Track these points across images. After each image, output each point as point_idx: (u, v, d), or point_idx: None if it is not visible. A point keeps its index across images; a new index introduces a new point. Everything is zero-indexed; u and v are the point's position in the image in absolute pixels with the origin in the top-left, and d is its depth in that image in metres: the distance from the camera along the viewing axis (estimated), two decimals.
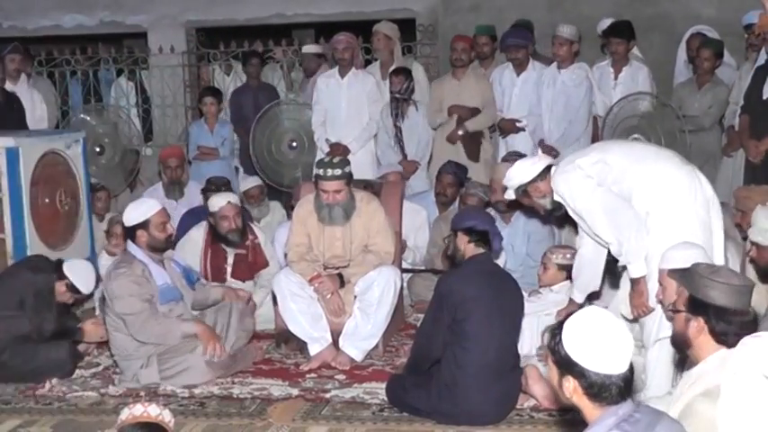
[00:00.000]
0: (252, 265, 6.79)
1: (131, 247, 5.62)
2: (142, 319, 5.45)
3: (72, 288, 5.85)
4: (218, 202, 6.63)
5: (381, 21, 8.90)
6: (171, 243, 6.02)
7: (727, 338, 3.27)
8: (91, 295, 6.38)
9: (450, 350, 4.73)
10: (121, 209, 7.27)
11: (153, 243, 5.60)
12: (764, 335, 3.03)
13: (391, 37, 8.77)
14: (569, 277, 5.49)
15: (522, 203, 5.40)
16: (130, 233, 5.61)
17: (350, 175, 5.99)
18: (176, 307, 5.66)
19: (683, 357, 3.66)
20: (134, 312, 5.45)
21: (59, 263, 5.88)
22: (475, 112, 8.27)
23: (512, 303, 4.90)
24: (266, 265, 6.83)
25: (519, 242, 6.72)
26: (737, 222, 5.85)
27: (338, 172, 5.89)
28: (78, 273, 5.86)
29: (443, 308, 4.76)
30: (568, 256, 5.54)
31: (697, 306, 3.36)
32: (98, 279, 6.15)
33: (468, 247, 4.99)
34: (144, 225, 5.55)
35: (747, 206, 5.68)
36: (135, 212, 5.60)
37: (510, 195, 5.21)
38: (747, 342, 3.02)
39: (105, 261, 6.98)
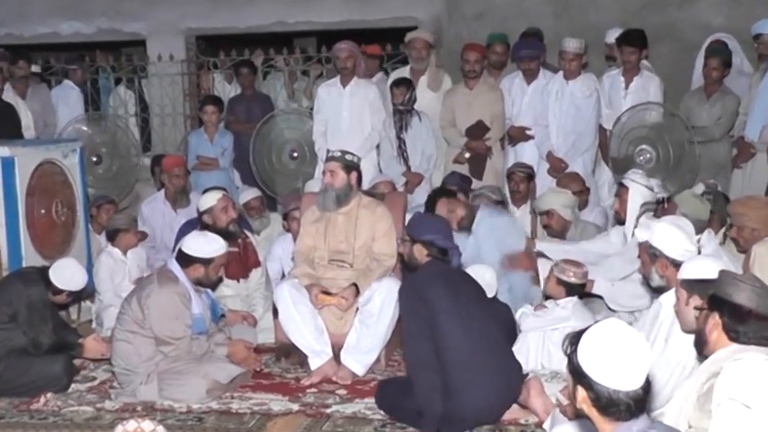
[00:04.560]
0: (245, 262, 6.85)
1: (174, 266, 5.64)
2: (185, 344, 5.52)
3: (67, 292, 5.89)
4: (210, 198, 6.71)
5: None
6: (217, 285, 6.20)
7: (738, 337, 3.34)
8: (84, 291, 6.33)
9: (434, 355, 4.74)
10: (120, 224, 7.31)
11: (204, 280, 5.69)
12: (747, 357, 3.12)
13: (433, 45, 8.79)
14: (569, 294, 5.50)
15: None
16: (186, 261, 5.62)
17: (351, 164, 6.13)
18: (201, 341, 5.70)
19: (702, 359, 3.66)
20: (178, 337, 5.50)
21: (45, 273, 5.86)
22: (486, 130, 8.32)
23: (477, 297, 4.98)
24: (258, 263, 6.92)
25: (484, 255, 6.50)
26: (733, 237, 5.84)
27: (338, 155, 6.17)
28: (65, 275, 5.87)
29: (417, 310, 4.79)
30: (570, 274, 5.48)
31: (715, 302, 3.44)
32: (92, 289, 6.14)
33: (424, 258, 5.08)
34: (206, 262, 5.61)
35: (742, 222, 5.69)
36: (204, 247, 5.63)
37: (640, 237, 4.97)
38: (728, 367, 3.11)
39: (105, 258, 7.02)
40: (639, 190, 6.09)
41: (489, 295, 5.59)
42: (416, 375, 4.87)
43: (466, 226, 6.58)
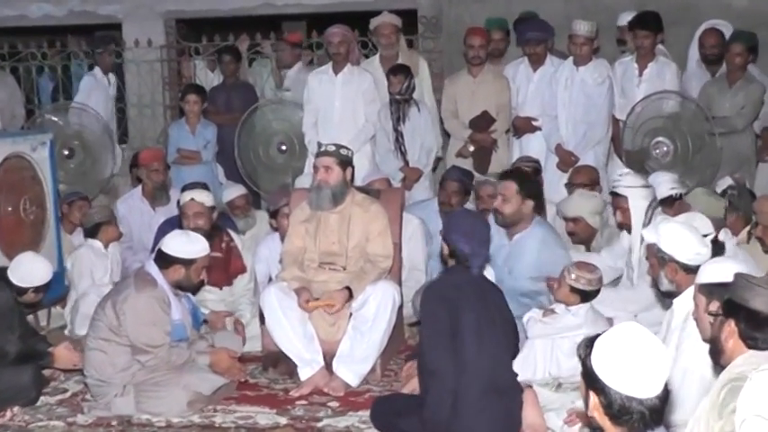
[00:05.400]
0: (227, 268, 6.83)
1: (152, 268, 5.62)
2: (164, 352, 5.49)
3: (32, 289, 5.87)
4: (184, 197, 6.72)
5: (382, 12, 8.89)
6: (198, 289, 6.18)
7: (757, 344, 3.34)
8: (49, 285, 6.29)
9: (452, 365, 4.67)
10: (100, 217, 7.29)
11: (184, 283, 5.67)
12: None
13: (401, 29, 8.79)
14: (584, 300, 5.43)
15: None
16: (165, 262, 5.60)
17: (346, 158, 6.13)
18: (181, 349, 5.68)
19: (719, 369, 3.66)
20: (156, 345, 5.47)
21: (4, 274, 5.84)
22: (492, 122, 8.31)
23: (504, 315, 4.88)
24: (243, 270, 6.89)
25: (520, 267, 6.29)
26: (759, 236, 5.82)
27: (331, 149, 6.15)
28: (23, 271, 5.86)
29: (442, 318, 4.70)
30: (583, 281, 5.37)
31: (731, 308, 3.44)
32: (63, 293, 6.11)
33: (449, 260, 5.00)
34: (187, 263, 5.58)
35: None
36: (185, 247, 5.61)
37: (648, 239, 4.89)
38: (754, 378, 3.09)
39: (85, 251, 7.01)
40: (639, 194, 6.05)
41: None
42: (430, 385, 4.78)
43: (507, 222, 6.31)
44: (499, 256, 6.17)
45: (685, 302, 4.36)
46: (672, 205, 6.40)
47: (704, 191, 6.69)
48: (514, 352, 5.13)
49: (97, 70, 10.13)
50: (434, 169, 8.67)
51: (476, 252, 4.86)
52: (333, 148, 6.16)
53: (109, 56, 10.10)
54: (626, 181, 6.12)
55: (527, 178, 6.55)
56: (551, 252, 6.19)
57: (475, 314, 4.68)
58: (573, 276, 5.39)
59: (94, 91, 9.87)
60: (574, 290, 5.41)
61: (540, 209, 6.50)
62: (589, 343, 2.91)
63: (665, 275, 4.63)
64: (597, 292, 5.47)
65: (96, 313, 5.64)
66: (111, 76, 10.24)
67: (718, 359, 3.52)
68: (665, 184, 6.59)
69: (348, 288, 5.95)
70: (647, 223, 5.80)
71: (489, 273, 5.84)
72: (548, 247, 6.22)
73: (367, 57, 9.72)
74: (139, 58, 10.82)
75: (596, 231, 6.77)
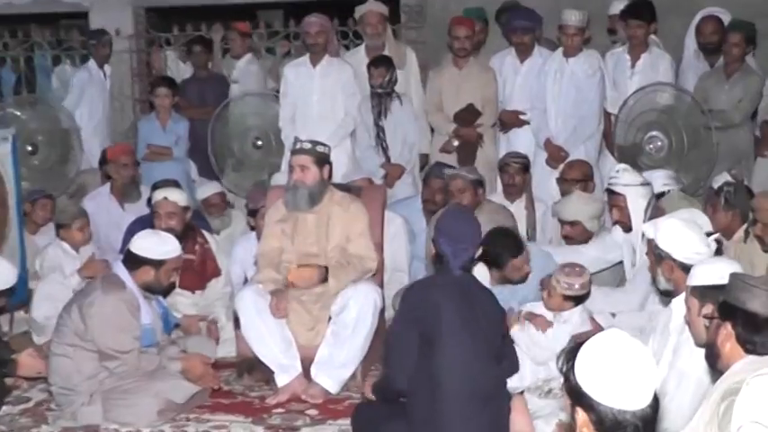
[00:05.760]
0: (201, 272, 6.84)
1: (121, 270, 5.62)
2: (133, 358, 5.48)
3: None
4: (156, 195, 6.74)
5: (363, 1, 8.89)
6: (169, 292, 6.17)
7: (755, 348, 3.33)
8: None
9: (424, 376, 4.66)
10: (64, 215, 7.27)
11: (154, 285, 5.66)
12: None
13: (387, 17, 8.82)
14: (578, 303, 5.48)
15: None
16: (134, 263, 5.60)
17: (323, 156, 6.13)
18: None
19: (717, 374, 3.67)
20: (125, 350, 5.46)
21: None
22: (478, 115, 8.32)
23: (490, 318, 4.83)
24: (218, 273, 6.90)
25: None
26: (758, 235, 5.84)
27: (307, 146, 6.12)
28: None
29: (409, 323, 4.70)
30: (576, 286, 5.43)
31: (726, 310, 3.43)
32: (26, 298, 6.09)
33: (434, 259, 5.00)
34: (156, 264, 5.58)
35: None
36: (156, 248, 5.61)
37: (647, 234, 4.91)
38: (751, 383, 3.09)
39: (53, 250, 7.05)
40: (638, 192, 6.07)
41: None
42: (384, 374, 4.90)
43: None
44: None
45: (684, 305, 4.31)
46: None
47: (680, 194, 6.70)
48: (512, 367, 5.16)
49: (91, 64, 10.05)
50: (423, 167, 8.66)
51: (457, 253, 4.80)
52: (309, 146, 6.14)
53: (103, 47, 10.05)
54: (624, 178, 6.12)
55: None
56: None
57: (457, 317, 4.65)
58: (564, 285, 5.44)
59: (89, 87, 9.84)
60: (567, 297, 5.48)
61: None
62: (570, 356, 2.85)
63: (662, 273, 4.65)
64: (588, 293, 5.54)
65: (61, 317, 5.63)
66: (107, 69, 10.21)
67: (715, 364, 3.52)
68: (659, 180, 6.62)
69: (325, 268, 5.97)
70: (646, 222, 5.76)
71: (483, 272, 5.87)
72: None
73: (347, 48, 9.73)
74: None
75: (592, 235, 6.78)
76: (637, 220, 6.02)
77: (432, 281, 5.00)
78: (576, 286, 5.43)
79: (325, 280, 5.99)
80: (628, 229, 6.17)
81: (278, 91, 8.99)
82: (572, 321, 5.46)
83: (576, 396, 2.80)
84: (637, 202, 6.04)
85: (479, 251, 4.95)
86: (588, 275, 5.52)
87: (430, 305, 4.65)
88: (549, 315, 5.56)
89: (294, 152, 6.21)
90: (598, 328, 5.33)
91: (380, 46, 8.74)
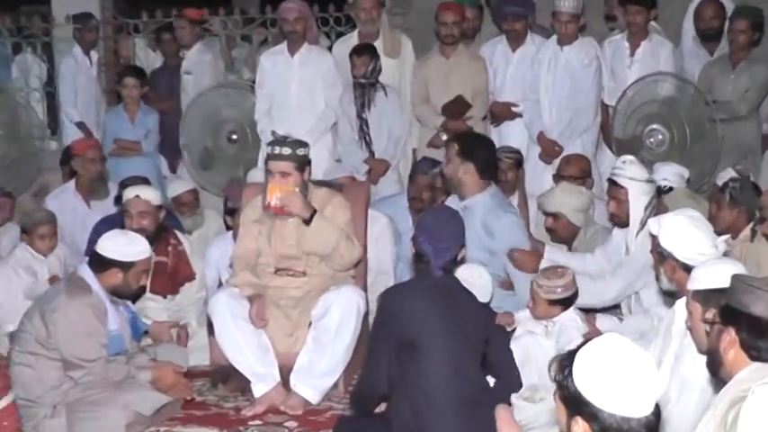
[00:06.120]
0: (173, 275, 6.82)
1: (86, 273, 5.58)
2: (100, 367, 5.44)
3: None
4: (128, 193, 6.71)
5: None
6: (139, 297, 6.18)
7: (761, 354, 3.33)
8: None
9: (406, 384, 4.63)
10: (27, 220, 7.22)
11: (122, 289, 5.63)
12: None
13: (383, 4, 8.78)
14: (566, 307, 5.49)
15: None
16: (101, 265, 5.56)
17: (304, 159, 6.03)
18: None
19: (719, 382, 3.69)
20: (91, 359, 5.42)
21: None
22: (467, 107, 8.31)
23: (473, 322, 4.79)
24: (192, 277, 6.88)
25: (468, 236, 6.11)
26: (765, 233, 5.84)
27: (288, 151, 5.98)
28: None
29: (387, 326, 4.68)
30: (559, 289, 5.45)
31: (729, 315, 3.43)
32: None
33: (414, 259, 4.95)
34: (125, 266, 5.55)
35: None
36: (124, 249, 5.58)
37: (651, 229, 4.88)
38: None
39: (21, 253, 6.96)
40: (641, 188, 6.02)
41: (483, 300, 5.53)
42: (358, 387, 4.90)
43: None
44: None
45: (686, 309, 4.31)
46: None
47: (685, 192, 6.71)
48: (514, 385, 5.15)
49: (77, 51, 10.02)
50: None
51: (438, 252, 4.77)
52: (288, 151, 5.99)
53: (89, 32, 9.96)
54: (629, 171, 6.04)
55: (470, 140, 6.67)
56: (496, 217, 6.25)
57: (438, 320, 4.63)
58: (545, 289, 5.47)
59: (78, 75, 9.80)
60: (552, 302, 5.48)
61: (491, 177, 6.49)
62: (566, 362, 2.86)
63: (665, 273, 4.65)
64: (576, 294, 5.54)
65: (22, 324, 5.58)
66: (94, 55, 10.15)
67: (717, 371, 3.52)
68: (662, 173, 6.61)
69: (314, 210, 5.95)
70: (644, 220, 5.81)
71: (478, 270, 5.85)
72: (491, 212, 6.27)
73: (328, 36, 9.71)
74: (71, 36, 10.70)
75: (578, 230, 6.76)
76: (635, 217, 5.98)
77: (411, 283, 5.00)
78: (559, 289, 5.45)
79: (309, 221, 5.93)
80: (623, 224, 6.13)
81: (254, 81, 8.96)
82: (567, 334, 5.43)
83: (575, 405, 2.80)
84: (638, 199, 5.98)
85: (463, 252, 4.91)
86: (571, 275, 5.52)
87: (409, 308, 4.63)
88: (539, 327, 5.58)
89: (273, 157, 6.04)
90: (596, 331, 5.37)
91: (374, 33, 8.74)
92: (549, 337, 5.49)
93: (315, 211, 5.95)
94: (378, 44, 8.63)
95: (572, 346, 5.04)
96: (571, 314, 5.53)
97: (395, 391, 4.66)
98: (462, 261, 5.13)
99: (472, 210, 6.27)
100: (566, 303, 5.50)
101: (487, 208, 6.30)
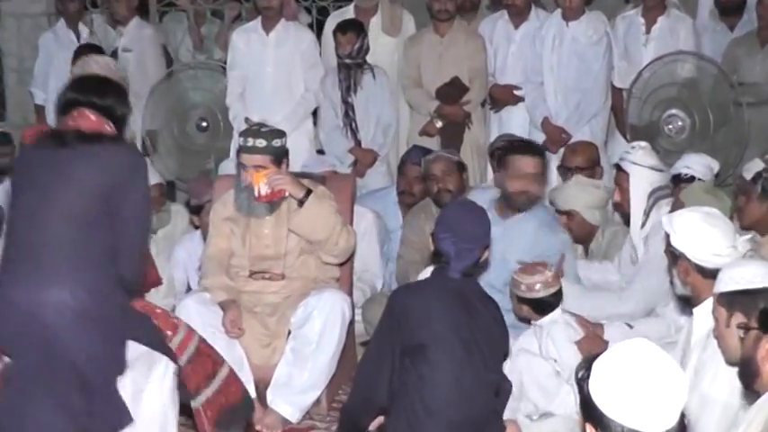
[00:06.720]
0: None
1: None
2: None
3: None
4: None
5: None
6: None
7: None
8: None
9: (407, 396, 4.62)
10: None
11: None
12: None
13: None
14: (549, 310, 5.43)
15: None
16: None
17: (281, 151, 5.96)
18: None
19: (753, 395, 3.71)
20: None
21: None
22: (464, 91, 8.28)
23: (491, 336, 4.78)
24: (158, 282, 6.81)
25: (513, 252, 6.13)
26: None
27: (262, 143, 5.91)
28: None
29: (395, 327, 4.66)
30: (537, 286, 5.38)
31: (766, 320, 3.45)
32: None
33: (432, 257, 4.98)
34: None
35: None
36: None
37: (664, 227, 4.81)
38: None
39: None
40: (644, 175, 5.97)
41: None
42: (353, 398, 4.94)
43: None
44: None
45: (707, 315, 4.28)
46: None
47: (704, 186, 6.66)
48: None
49: (60, 25, 9.93)
50: None
51: (461, 254, 4.73)
52: (263, 143, 5.93)
53: (72, 2, 9.79)
54: (635, 156, 6.00)
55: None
56: (550, 234, 6.14)
57: (449, 328, 4.61)
58: (523, 287, 5.41)
59: (58, 51, 9.66)
60: (533, 301, 5.42)
61: None
62: (586, 364, 2.89)
63: (678, 275, 4.60)
64: (560, 292, 5.46)
65: None
66: (83, 29, 10.01)
67: (752, 384, 3.51)
68: (686, 160, 6.59)
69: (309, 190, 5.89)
70: (646, 212, 5.84)
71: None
72: (547, 227, 6.16)
73: (308, 11, 9.65)
74: (20, 10, 10.76)
75: (596, 229, 6.72)
76: (635, 207, 5.94)
77: (425, 283, 4.95)
78: (538, 285, 5.37)
79: (302, 202, 5.87)
80: (626, 215, 6.12)
81: (225, 62, 8.95)
82: (554, 338, 5.41)
83: (588, 410, 2.85)
84: (639, 186, 5.93)
85: (486, 254, 4.88)
86: (551, 270, 5.47)
87: (417, 312, 4.62)
88: (533, 344, 5.55)
89: (246, 150, 5.98)
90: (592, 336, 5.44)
91: (372, 8, 8.77)
92: (539, 339, 5.48)
93: (309, 191, 5.88)
94: (376, 20, 8.71)
95: (558, 354, 5.20)
96: (557, 316, 5.47)
97: (392, 405, 4.65)
98: (485, 264, 5.15)
99: (520, 226, 6.14)
100: (544, 306, 5.43)
101: (539, 220, 6.18)
